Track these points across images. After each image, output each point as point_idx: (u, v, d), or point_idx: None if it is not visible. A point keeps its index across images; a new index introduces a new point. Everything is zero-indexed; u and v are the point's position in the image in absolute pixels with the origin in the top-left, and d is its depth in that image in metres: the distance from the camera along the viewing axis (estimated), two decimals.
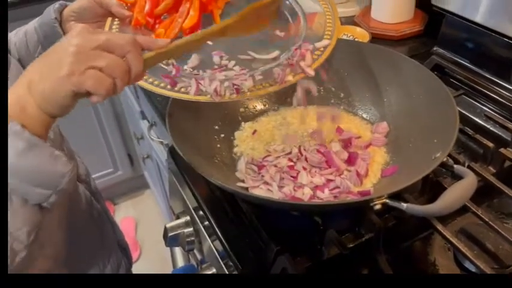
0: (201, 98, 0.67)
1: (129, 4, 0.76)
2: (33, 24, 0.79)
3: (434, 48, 1.04)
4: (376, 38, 1.11)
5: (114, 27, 0.75)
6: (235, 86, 0.67)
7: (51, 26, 0.75)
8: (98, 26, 0.76)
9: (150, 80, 0.67)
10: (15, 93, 0.49)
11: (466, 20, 0.93)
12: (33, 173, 0.48)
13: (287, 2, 0.82)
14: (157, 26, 0.75)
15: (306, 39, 0.74)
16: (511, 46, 0.86)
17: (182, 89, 0.67)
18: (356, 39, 1.07)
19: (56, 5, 0.76)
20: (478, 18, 0.90)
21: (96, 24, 0.76)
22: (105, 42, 0.49)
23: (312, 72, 0.68)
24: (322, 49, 0.72)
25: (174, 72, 0.69)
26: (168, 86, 0.67)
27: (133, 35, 0.51)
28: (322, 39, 0.73)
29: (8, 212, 0.48)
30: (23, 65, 0.78)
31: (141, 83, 0.66)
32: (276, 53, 0.73)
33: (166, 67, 0.71)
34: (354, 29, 1.11)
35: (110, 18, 0.76)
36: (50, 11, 0.76)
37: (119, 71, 0.49)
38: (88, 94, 0.49)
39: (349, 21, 1.19)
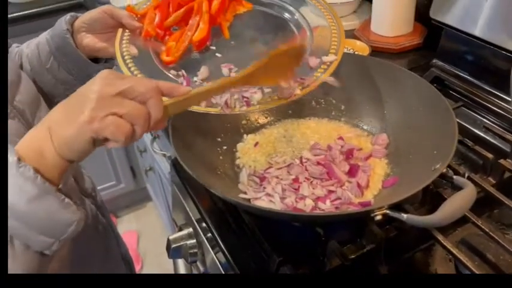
0: (212, 110, 0.69)
1: (139, 16, 0.78)
2: (45, 35, 0.80)
3: (434, 61, 1.05)
4: (376, 51, 1.12)
5: (124, 38, 0.77)
6: (244, 99, 0.69)
7: (62, 37, 0.76)
8: (108, 37, 0.78)
9: None
10: (35, 137, 0.49)
11: (465, 33, 0.94)
12: (40, 220, 0.48)
13: (295, 16, 0.84)
14: (167, 37, 0.77)
15: (312, 53, 0.76)
16: (509, 59, 0.87)
17: None
18: (356, 53, 1.09)
19: (68, 16, 0.78)
20: (477, 32, 0.91)
21: (107, 35, 0.78)
22: (126, 89, 0.49)
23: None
24: (328, 63, 0.74)
25: (184, 84, 0.70)
26: None
27: (156, 82, 0.51)
28: (328, 53, 0.74)
29: (9, 255, 0.47)
30: (35, 76, 0.79)
31: None
32: None
33: (177, 79, 0.72)
34: (354, 43, 1.13)
35: (120, 30, 0.78)
36: (62, 23, 0.77)
37: (138, 118, 0.49)
38: (106, 140, 0.49)
39: (349, 34, 1.21)
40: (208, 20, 0.77)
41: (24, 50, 0.82)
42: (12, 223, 0.47)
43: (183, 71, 0.74)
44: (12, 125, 0.63)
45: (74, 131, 0.48)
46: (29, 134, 0.50)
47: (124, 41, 0.76)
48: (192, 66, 0.75)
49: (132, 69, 0.72)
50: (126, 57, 0.74)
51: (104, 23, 0.76)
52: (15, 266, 0.48)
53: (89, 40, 0.77)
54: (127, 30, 0.78)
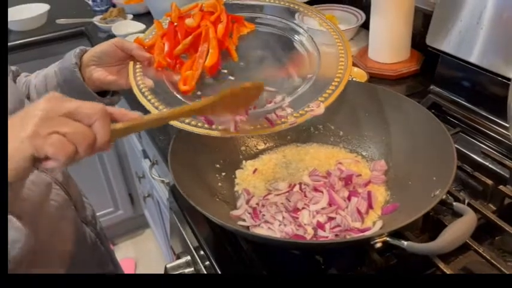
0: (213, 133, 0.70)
1: (147, 47, 0.79)
2: (53, 67, 0.81)
3: (431, 87, 1.06)
4: (373, 78, 1.13)
5: (137, 71, 0.78)
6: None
7: (71, 70, 0.77)
8: (118, 69, 0.79)
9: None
10: None
11: (461, 60, 0.95)
12: None
13: (300, 35, 0.86)
14: (177, 66, 0.78)
15: (316, 79, 0.78)
16: (506, 85, 0.87)
17: (199, 124, 0.70)
18: (354, 79, 1.10)
19: (77, 50, 0.79)
20: (473, 59, 0.92)
21: (116, 67, 0.79)
22: (73, 110, 0.48)
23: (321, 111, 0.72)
24: (333, 88, 0.75)
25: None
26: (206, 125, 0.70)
27: (103, 105, 0.51)
28: (332, 80, 0.76)
29: None
30: None
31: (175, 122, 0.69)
32: (280, 97, 0.76)
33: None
34: (352, 69, 1.14)
35: (131, 62, 0.79)
36: (71, 56, 0.78)
37: (82, 139, 0.48)
38: (46, 159, 0.47)
39: None
40: (217, 45, 0.78)
41: (32, 80, 0.83)
42: None
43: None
44: None
45: (14, 146, 0.46)
46: None
47: (137, 74, 0.77)
48: (208, 92, 0.77)
49: (152, 101, 0.73)
50: (143, 90, 0.75)
51: (114, 55, 0.77)
52: None
53: (100, 74, 0.78)
54: (138, 63, 0.79)
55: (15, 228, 0.51)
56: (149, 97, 0.74)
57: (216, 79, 0.79)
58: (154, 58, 0.78)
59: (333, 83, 0.76)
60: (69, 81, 0.77)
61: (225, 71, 0.80)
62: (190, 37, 0.79)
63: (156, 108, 0.72)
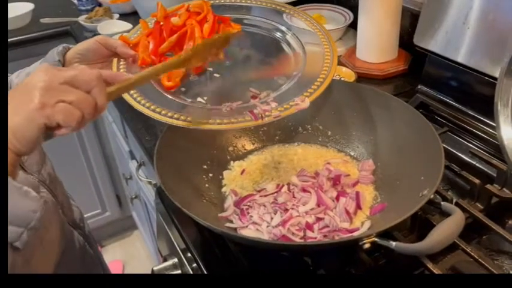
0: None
1: (132, 45, 0.78)
2: (35, 66, 0.79)
3: (419, 87, 1.06)
4: (361, 78, 1.13)
5: (121, 67, 0.77)
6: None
7: None
8: (101, 67, 0.78)
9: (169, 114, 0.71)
10: None
11: (448, 59, 0.95)
12: None
13: (286, 36, 0.86)
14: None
15: (302, 76, 0.78)
16: (492, 84, 0.88)
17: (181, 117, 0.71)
18: (342, 79, 1.09)
19: (60, 47, 0.77)
20: (460, 58, 0.93)
21: (100, 65, 0.78)
22: (71, 78, 0.50)
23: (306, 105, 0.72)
24: (318, 84, 0.75)
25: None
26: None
27: (98, 70, 0.53)
28: (317, 77, 0.76)
29: None
30: None
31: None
32: (265, 93, 0.76)
33: (183, 102, 0.75)
34: (340, 69, 1.14)
35: (115, 59, 0.79)
36: (53, 54, 0.76)
37: (86, 105, 0.51)
38: (57, 127, 0.50)
39: None
40: None
41: (14, 80, 0.81)
42: None
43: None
44: None
45: (25, 119, 0.48)
46: None
47: (121, 70, 0.77)
48: (192, 88, 0.78)
49: (135, 96, 0.73)
50: None
51: (98, 53, 0.76)
52: None
53: None
54: (122, 60, 0.79)
55: (32, 198, 0.52)
56: (132, 92, 0.73)
57: (201, 77, 0.80)
58: (138, 55, 0.77)
59: (319, 79, 0.77)
60: None
61: (211, 69, 0.81)
62: (175, 35, 0.78)
63: (139, 102, 0.72)
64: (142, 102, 0.72)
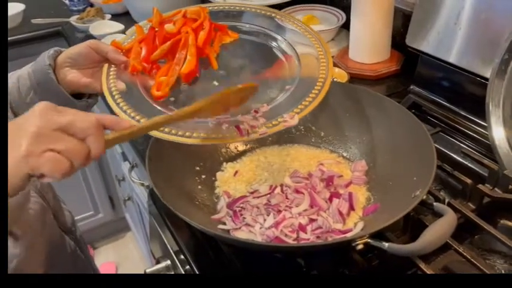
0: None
1: (124, 50, 0.77)
2: (26, 69, 0.78)
3: (411, 87, 1.06)
4: (354, 78, 1.13)
5: (111, 74, 0.76)
6: None
7: (44, 72, 0.74)
8: (93, 72, 0.77)
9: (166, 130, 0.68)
10: None
11: (440, 60, 0.96)
12: None
13: (282, 45, 0.85)
14: (154, 71, 0.76)
15: (300, 81, 0.77)
16: (484, 85, 0.88)
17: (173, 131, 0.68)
18: (335, 80, 1.10)
19: (51, 51, 0.76)
20: (451, 59, 0.93)
21: (91, 70, 0.77)
22: (66, 125, 0.48)
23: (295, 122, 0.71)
24: (310, 100, 0.74)
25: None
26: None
27: (98, 116, 0.50)
28: (310, 92, 0.75)
29: None
30: (14, 109, 0.77)
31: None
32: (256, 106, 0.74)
33: (168, 112, 0.72)
34: (333, 70, 1.14)
35: (106, 65, 0.77)
36: (44, 57, 0.75)
37: (77, 154, 0.48)
38: (42, 176, 0.47)
39: None
40: (196, 52, 0.77)
41: None
42: None
43: None
44: None
45: (9, 166, 0.46)
46: None
47: (111, 77, 0.76)
48: (182, 98, 0.75)
49: (121, 105, 0.71)
50: (114, 94, 0.73)
51: (89, 58, 0.75)
52: None
53: (74, 75, 0.76)
54: (113, 66, 0.77)
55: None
56: (118, 100, 0.72)
57: (192, 86, 0.77)
58: (129, 62, 0.76)
59: (311, 95, 0.74)
60: (43, 83, 0.75)
61: (202, 78, 0.78)
62: (168, 43, 0.77)
63: (125, 112, 0.70)
64: (128, 111, 0.70)
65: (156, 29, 0.80)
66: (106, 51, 0.75)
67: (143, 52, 0.77)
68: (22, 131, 0.46)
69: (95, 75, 0.77)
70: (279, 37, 0.87)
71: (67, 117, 0.48)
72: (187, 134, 0.68)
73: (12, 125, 0.48)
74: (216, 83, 0.78)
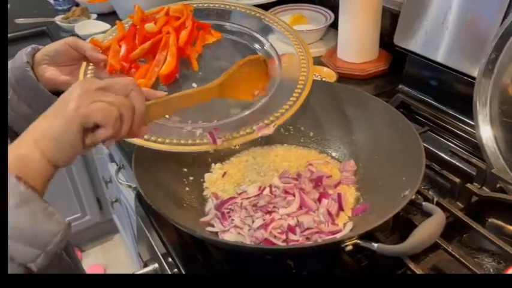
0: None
1: (103, 49, 0.76)
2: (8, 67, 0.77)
3: (399, 87, 1.07)
4: (342, 78, 1.13)
5: (89, 71, 0.75)
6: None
7: (22, 69, 0.73)
8: (71, 70, 0.76)
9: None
10: (19, 146, 0.48)
11: (428, 59, 0.96)
12: (23, 230, 0.46)
13: (265, 46, 0.84)
14: (132, 70, 0.75)
15: (281, 82, 0.76)
16: (471, 84, 0.88)
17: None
18: (323, 79, 1.09)
19: (28, 48, 0.75)
20: (439, 58, 0.93)
21: (70, 67, 0.76)
22: (107, 85, 0.51)
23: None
24: (299, 91, 0.73)
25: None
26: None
27: (133, 78, 0.54)
28: (297, 81, 0.75)
29: None
30: None
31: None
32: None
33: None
34: (321, 69, 1.13)
35: (84, 63, 0.76)
36: (22, 55, 0.74)
37: (125, 106, 0.50)
38: (96, 128, 0.49)
39: (316, 61, 1.21)
40: (176, 53, 0.75)
41: None
42: None
43: None
44: None
45: (62, 123, 0.48)
46: (12, 144, 0.49)
47: (88, 75, 0.75)
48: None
49: None
50: None
51: (67, 55, 0.74)
52: None
53: (52, 73, 0.75)
54: (91, 64, 0.76)
55: (55, 220, 0.50)
56: None
57: (170, 87, 0.76)
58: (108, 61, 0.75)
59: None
60: (20, 80, 0.74)
61: (182, 79, 0.77)
62: (149, 42, 0.76)
63: None
64: None
65: (138, 26, 0.79)
66: (84, 49, 0.74)
67: (122, 50, 0.76)
68: (67, 97, 0.49)
69: (73, 72, 0.76)
70: (262, 39, 0.86)
71: (107, 80, 0.52)
72: (159, 140, 0.67)
73: (55, 102, 0.51)
74: (194, 85, 0.77)
